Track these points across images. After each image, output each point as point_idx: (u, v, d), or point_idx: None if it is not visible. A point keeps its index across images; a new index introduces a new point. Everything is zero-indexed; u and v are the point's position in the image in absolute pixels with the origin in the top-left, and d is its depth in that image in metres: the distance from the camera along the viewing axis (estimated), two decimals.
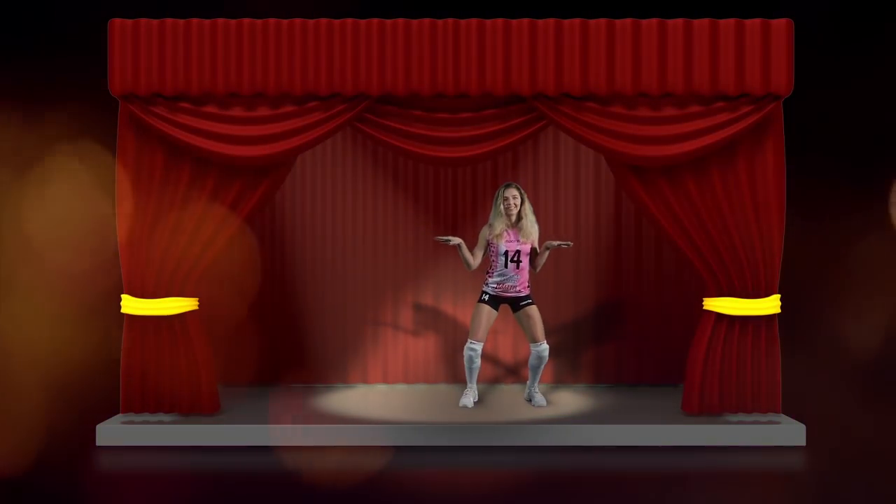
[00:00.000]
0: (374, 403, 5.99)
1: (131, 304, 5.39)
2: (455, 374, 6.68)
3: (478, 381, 6.14)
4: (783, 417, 5.52)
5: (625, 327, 6.69)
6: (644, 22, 5.31)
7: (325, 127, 5.39)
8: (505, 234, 5.77)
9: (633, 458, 5.07)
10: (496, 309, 5.85)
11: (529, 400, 5.96)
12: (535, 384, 5.94)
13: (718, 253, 5.43)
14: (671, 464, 5.01)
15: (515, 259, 5.75)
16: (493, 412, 5.75)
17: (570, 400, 6.13)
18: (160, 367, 5.43)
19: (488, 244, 5.83)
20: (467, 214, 6.69)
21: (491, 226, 5.80)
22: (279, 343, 6.66)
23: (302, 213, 6.72)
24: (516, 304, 5.82)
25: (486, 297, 5.83)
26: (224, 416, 5.55)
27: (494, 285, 5.81)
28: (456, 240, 5.73)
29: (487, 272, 5.89)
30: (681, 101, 5.36)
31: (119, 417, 5.48)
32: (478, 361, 5.84)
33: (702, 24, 5.30)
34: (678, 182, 5.43)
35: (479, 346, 5.80)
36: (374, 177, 6.74)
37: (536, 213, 5.92)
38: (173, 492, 4.61)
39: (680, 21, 5.31)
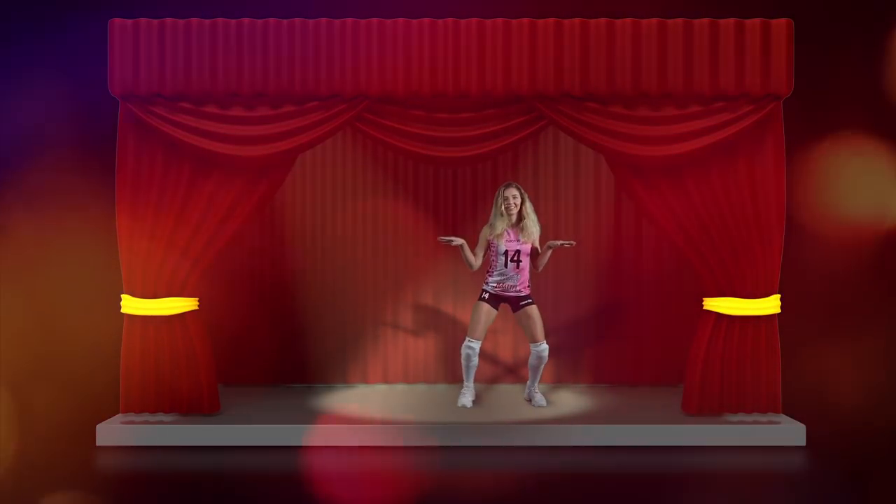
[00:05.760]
0: (374, 403, 5.99)
1: (131, 304, 5.39)
2: (455, 374, 6.68)
3: (477, 381, 6.14)
4: (783, 417, 5.52)
5: (625, 327, 6.68)
6: (644, 22, 5.31)
7: (325, 127, 5.39)
8: (506, 233, 5.77)
9: (633, 458, 5.07)
10: (496, 308, 5.85)
11: (529, 400, 5.97)
12: (536, 384, 5.94)
13: (718, 253, 5.43)
14: (671, 464, 5.00)
15: (515, 259, 5.76)
16: (493, 412, 5.74)
17: (570, 400, 6.13)
18: (160, 368, 5.43)
19: (489, 244, 5.85)
20: (467, 214, 6.69)
21: (492, 226, 5.80)
22: (279, 343, 6.65)
23: (302, 213, 6.72)
24: (516, 303, 5.82)
25: (486, 296, 5.83)
26: (224, 416, 5.55)
27: (494, 284, 5.82)
28: (458, 240, 5.72)
29: (488, 271, 5.89)
30: (681, 101, 5.37)
31: (119, 417, 5.48)
32: (475, 360, 5.84)
33: (702, 23, 5.30)
34: (678, 182, 5.43)
35: (476, 345, 5.80)
36: (374, 177, 6.74)
37: (536, 212, 5.91)
38: (173, 492, 4.61)
39: (680, 21, 5.31)
